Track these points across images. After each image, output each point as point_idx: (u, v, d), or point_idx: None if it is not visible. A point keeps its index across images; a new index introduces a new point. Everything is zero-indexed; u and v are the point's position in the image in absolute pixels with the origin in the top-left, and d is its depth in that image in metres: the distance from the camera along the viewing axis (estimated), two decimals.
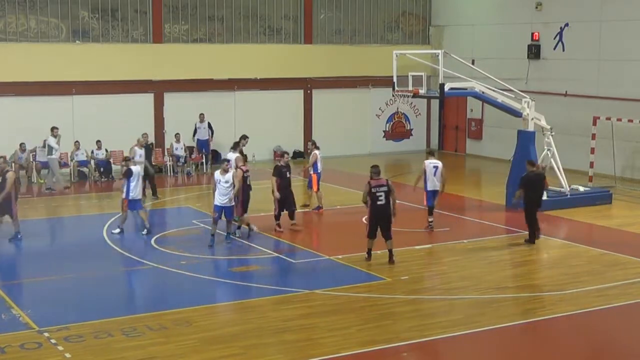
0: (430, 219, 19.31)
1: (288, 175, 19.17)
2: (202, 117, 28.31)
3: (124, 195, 18.82)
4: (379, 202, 16.01)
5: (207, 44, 29.73)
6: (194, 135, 28.29)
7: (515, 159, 22.07)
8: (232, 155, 20.08)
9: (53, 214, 21.88)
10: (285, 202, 19.12)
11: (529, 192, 18.09)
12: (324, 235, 19.62)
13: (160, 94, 28.70)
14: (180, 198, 23.96)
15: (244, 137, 21.98)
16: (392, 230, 16.25)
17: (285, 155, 19.76)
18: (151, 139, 27.87)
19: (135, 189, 18.92)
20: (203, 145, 28.40)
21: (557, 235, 19.37)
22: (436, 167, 19.18)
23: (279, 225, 19.02)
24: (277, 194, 18.81)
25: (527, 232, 18.40)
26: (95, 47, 27.82)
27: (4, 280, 15.16)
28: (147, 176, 22.48)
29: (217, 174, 17.86)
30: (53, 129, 24.97)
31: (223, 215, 18.03)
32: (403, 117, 33.58)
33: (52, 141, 24.78)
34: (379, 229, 16.26)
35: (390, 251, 16.32)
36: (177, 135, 27.75)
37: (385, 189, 16.04)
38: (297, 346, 12.13)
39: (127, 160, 19.86)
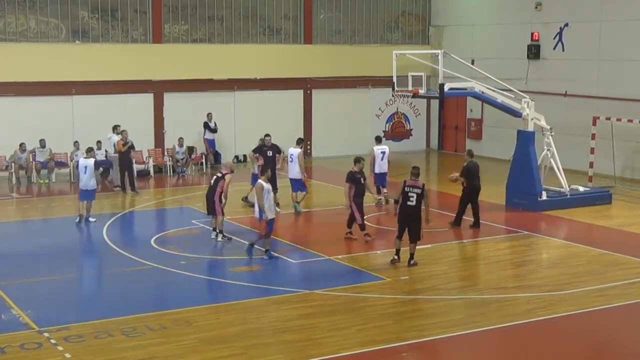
0: (385, 191, 21.94)
1: (363, 182, 18.34)
2: (210, 117, 28.39)
3: None
4: (409, 203, 16.00)
5: (207, 44, 29.73)
6: (210, 131, 28.37)
7: (515, 159, 22.10)
8: (295, 151, 20.86)
9: (53, 214, 21.89)
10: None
11: (470, 180, 19.44)
12: (323, 235, 19.59)
13: (160, 94, 28.70)
14: (180, 198, 23.97)
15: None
16: (421, 233, 16.20)
17: (361, 162, 18.49)
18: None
19: (82, 180, 19.92)
20: (212, 144, 28.54)
21: (557, 235, 19.39)
22: (383, 152, 21.61)
23: (368, 235, 18.11)
24: (347, 203, 17.93)
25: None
26: (95, 47, 27.82)
27: (4, 280, 15.16)
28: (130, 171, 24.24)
29: (265, 183, 16.58)
30: (116, 127, 25.12)
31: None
32: (403, 117, 33.58)
33: (114, 139, 24.88)
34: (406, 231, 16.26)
35: (412, 254, 16.22)
36: (180, 140, 27.79)
37: (418, 190, 16.04)
38: (297, 346, 12.13)
39: (87, 151, 20.92)
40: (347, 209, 18.11)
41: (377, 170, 21.75)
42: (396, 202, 16.42)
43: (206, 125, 28.46)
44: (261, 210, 16.51)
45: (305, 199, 21.83)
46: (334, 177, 25.33)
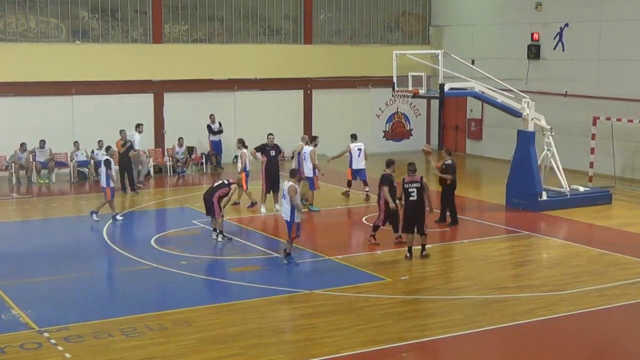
0: (367, 189, 22.59)
1: (395, 185, 18.18)
2: (212, 118, 28.36)
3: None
4: (411, 198, 16.55)
5: (207, 44, 29.73)
6: (212, 134, 28.37)
7: (515, 159, 22.09)
8: (308, 149, 21.40)
9: (53, 214, 21.89)
10: (395, 214, 17.82)
11: (453, 177, 19.86)
12: (323, 235, 19.60)
13: (160, 94, 28.70)
14: (180, 198, 23.97)
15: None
16: (425, 226, 16.68)
17: (395, 164, 18.40)
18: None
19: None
20: (215, 146, 28.42)
21: (557, 235, 19.38)
22: (360, 149, 22.76)
23: (374, 237, 17.89)
24: (392, 205, 17.61)
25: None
26: (95, 47, 27.82)
27: (4, 280, 15.16)
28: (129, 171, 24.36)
29: (297, 185, 16.62)
30: (139, 125, 25.54)
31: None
32: (403, 117, 33.58)
33: (137, 137, 25.31)
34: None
35: (423, 245, 16.74)
36: (180, 140, 27.78)
37: (417, 185, 16.57)
38: (297, 346, 12.14)
39: (106, 149, 22.25)
40: (393, 208, 17.77)
41: (354, 167, 22.84)
42: (399, 199, 16.79)
43: (208, 128, 28.43)
44: (293, 213, 16.22)
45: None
46: (334, 177, 25.31)
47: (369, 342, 12.23)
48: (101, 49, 27.82)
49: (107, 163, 20.51)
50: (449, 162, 19.71)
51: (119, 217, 20.50)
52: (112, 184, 20.40)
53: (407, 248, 16.71)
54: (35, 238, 19.40)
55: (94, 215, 20.29)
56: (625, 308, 13.95)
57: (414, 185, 16.53)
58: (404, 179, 16.69)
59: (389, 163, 18.32)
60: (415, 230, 16.64)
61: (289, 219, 16.34)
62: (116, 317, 13.15)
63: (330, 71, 31.45)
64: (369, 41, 32.75)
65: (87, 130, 26.77)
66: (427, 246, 17.60)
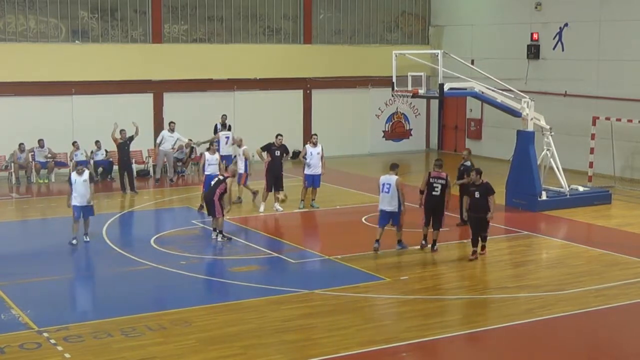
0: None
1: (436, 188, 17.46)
2: (224, 119, 27.61)
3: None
4: (434, 193, 17.03)
5: (206, 44, 29.73)
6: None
7: (515, 159, 22.09)
8: (311, 149, 21.82)
9: (52, 214, 21.87)
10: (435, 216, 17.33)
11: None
12: (323, 235, 19.60)
13: (159, 94, 28.69)
14: (180, 198, 23.97)
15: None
16: (442, 222, 17.25)
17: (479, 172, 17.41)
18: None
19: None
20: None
21: (556, 235, 19.40)
22: (227, 137, 23.04)
23: (475, 252, 17.01)
24: (490, 214, 17.17)
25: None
26: (94, 47, 27.82)
27: (4, 280, 15.16)
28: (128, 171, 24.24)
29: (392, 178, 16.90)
30: (170, 123, 26.35)
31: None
32: (402, 117, 33.59)
33: (177, 136, 26.25)
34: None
35: (434, 241, 17.20)
36: (189, 140, 27.68)
37: (442, 181, 17.08)
38: (297, 346, 12.14)
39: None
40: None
41: (222, 153, 23.44)
42: (421, 192, 17.17)
43: (215, 128, 28.22)
44: (401, 204, 16.78)
45: (307, 199, 21.84)
46: (334, 177, 25.31)
47: (368, 342, 12.23)
48: (101, 49, 27.82)
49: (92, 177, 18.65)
50: (468, 163, 19.27)
51: (73, 242, 17.79)
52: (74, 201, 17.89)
53: (422, 237, 17.34)
54: (35, 238, 19.38)
55: (85, 237, 18.08)
56: (624, 308, 13.96)
57: (439, 181, 17.01)
58: (429, 173, 17.14)
59: (479, 172, 17.30)
60: (431, 224, 17.18)
61: (396, 210, 16.81)
62: (115, 317, 13.14)
63: (330, 71, 31.46)
64: (369, 41, 32.75)
65: (86, 131, 26.74)
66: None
